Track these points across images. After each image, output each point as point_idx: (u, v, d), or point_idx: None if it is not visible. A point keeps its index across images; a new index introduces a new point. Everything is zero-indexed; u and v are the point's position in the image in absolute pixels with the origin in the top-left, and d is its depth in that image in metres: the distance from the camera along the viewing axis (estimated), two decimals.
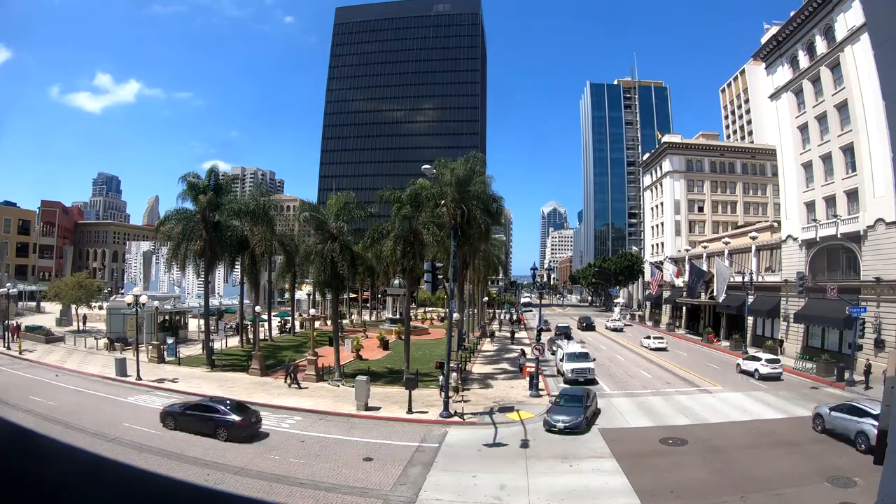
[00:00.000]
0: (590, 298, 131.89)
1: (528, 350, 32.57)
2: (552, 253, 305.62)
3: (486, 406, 23.07)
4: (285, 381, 26.46)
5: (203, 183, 31.71)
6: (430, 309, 78.10)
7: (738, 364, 33.13)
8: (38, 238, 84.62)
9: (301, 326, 51.67)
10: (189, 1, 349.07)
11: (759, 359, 31.66)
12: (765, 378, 29.88)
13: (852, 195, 34.27)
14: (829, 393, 27.01)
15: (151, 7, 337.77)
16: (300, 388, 25.91)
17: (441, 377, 22.47)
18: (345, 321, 53.86)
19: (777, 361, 31.28)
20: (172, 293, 52.87)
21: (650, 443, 18.52)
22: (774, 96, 44.05)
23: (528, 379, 26.87)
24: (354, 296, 67.34)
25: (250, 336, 39.34)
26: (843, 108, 35.13)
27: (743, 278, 42.46)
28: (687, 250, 63.71)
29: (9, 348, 34.76)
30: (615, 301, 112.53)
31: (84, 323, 46.92)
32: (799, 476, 14.97)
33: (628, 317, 77.12)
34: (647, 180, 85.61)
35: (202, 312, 35.42)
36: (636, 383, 29.60)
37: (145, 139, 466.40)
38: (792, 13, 40.10)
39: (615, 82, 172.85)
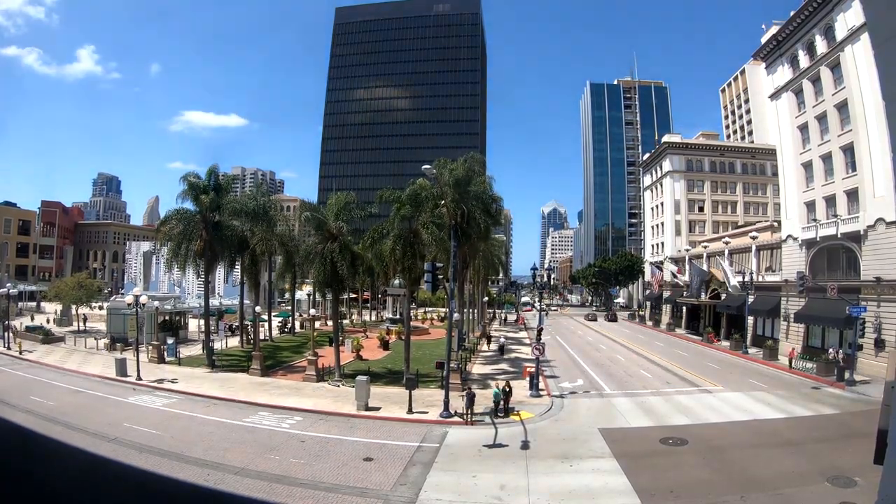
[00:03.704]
0: (590, 298, 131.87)
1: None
2: (552, 253, 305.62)
3: (487, 406, 23.06)
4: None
5: (203, 183, 31.70)
6: (431, 309, 78.08)
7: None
8: (39, 238, 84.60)
9: (301, 326, 51.68)
10: (187, 1, 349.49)
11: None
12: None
13: (852, 195, 34.25)
14: (829, 393, 27.01)
15: (149, 5, 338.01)
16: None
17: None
18: (345, 321, 53.85)
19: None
20: (172, 293, 52.89)
21: (650, 442, 18.50)
22: (774, 96, 44.04)
23: (528, 379, 26.86)
24: (354, 296, 67.34)
25: (250, 336, 39.35)
26: (843, 107, 35.11)
27: (743, 278, 42.47)
28: (687, 250, 63.70)
29: (9, 348, 34.77)
30: (615, 301, 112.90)
31: (84, 323, 46.90)
32: (799, 476, 14.96)
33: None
34: (647, 180, 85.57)
35: (202, 312, 35.42)
36: (636, 383, 29.59)
37: (142, 137, 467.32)
38: (792, 13, 40.09)
39: (615, 82, 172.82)
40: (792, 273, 37.73)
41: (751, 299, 42.02)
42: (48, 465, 1.95)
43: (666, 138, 79.31)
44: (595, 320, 78.29)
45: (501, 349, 39.94)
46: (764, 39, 44.48)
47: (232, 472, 14.90)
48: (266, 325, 44.81)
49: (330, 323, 40.91)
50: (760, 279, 44.34)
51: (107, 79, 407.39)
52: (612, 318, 79.15)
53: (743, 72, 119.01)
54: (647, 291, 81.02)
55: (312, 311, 40.03)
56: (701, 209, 73.23)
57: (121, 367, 27.61)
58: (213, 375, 29.21)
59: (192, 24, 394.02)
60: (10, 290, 43.77)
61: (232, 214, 33.88)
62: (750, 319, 44.08)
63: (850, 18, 33.89)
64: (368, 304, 73.94)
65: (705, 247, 57.87)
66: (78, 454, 2.12)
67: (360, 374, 23.76)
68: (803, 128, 39.99)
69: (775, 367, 35.20)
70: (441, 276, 27.56)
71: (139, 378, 26.77)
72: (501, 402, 22.03)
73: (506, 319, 74.41)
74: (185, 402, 23.35)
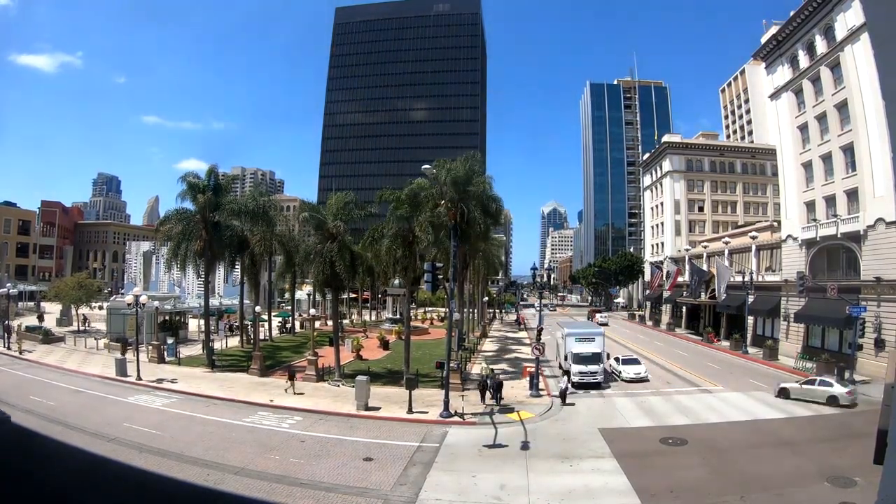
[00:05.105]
0: (590, 298, 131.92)
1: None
2: (552, 253, 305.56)
3: (487, 406, 23.07)
4: (287, 382, 26.00)
5: (203, 183, 31.69)
6: (430, 309, 78.08)
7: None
8: (38, 238, 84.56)
9: (301, 326, 51.67)
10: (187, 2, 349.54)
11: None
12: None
13: (852, 195, 34.25)
14: None
15: (150, 5, 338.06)
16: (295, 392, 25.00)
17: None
18: (345, 321, 53.85)
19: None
20: (172, 293, 52.85)
21: (650, 443, 18.51)
22: (774, 96, 44.03)
23: (528, 379, 26.85)
24: (354, 296, 67.37)
25: (250, 336, 39.35)
26: (842, 107, 35.10)
27: (743, 278, 42.46)
28: (687, 250, 63.69)
29: (9, 348, 34.76)
30: (615, 301, 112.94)
31: (87, 324, 46.63)
32: (799, 476, 14.97)
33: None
34: (647, 180, 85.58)
35: (202, 312, 35.41)
36: (636, 383, 29.55)
37: (142, 137, 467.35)
38: (792, 13, 40.07)
39: (615, 82, 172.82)
40: (792, 273, 37.73)
41: (751, 299, 42.01)
42: (48, 465, 1.95)
43: (666, 138, 79.33)
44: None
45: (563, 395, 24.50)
46: (764, 39, 44.47)
47: (232, 472, 14.89)
48: (266, 325, 44.79)
49: (330, 323, 40.90)
50: (760, 279, 44.33)
51: (106, 78, 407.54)
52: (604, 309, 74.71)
53: (743, 72, 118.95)
54: (647, 291, 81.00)
55: (312, 311, 40.02)
56: (701, 209, 73.22)
57: (120, 367, 27.61)
58: (213, 375, 29.21)
59: (190, 23, 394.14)
60: (10, 290, 43.71)
61: (231, 214, 33.84)
62: (750, 319, 44.06)
63: (849, 18, 33.89)
64: (368, 304, 73.94)
65: (705, 247, 57.85)
66: (77, 454, 2.12)
67: (360, 374, 23.78)
68: (803, 128, 39.98)
69: (775, 366, 35.17)
70: (441, 276, 27.55)
71: (139, 378, 26.75)
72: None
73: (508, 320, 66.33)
74: (185, 402, 23.35)
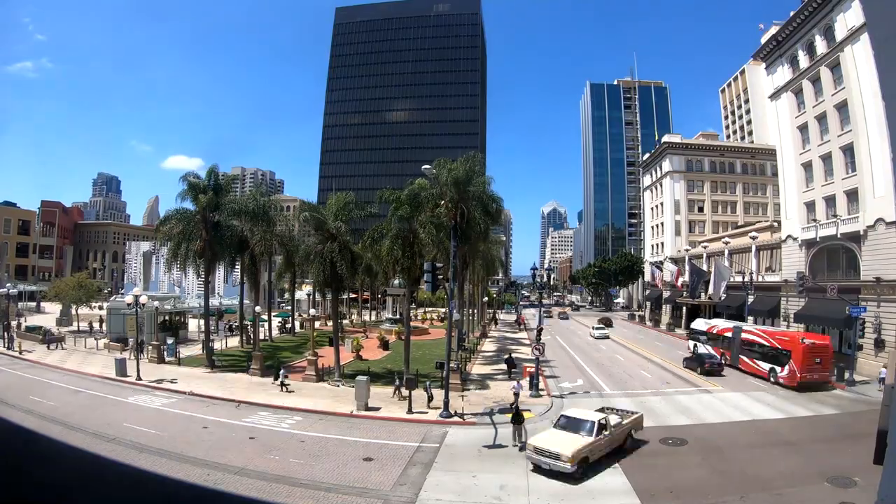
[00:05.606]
0: (590, 298, 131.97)
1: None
2: (552, 253, 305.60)
3: (486, 406, 23.04)
4: (274, 383, 26.04)
5: (203, 183, 31.67)
6: (430, 309, 78.02)
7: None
8: (38, 238, 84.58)
9: (301, 326, 51.65)
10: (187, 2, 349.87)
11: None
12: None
13: (852, 195, 34.26)
14: (829, 393, 27.00)
15: (149, 3, 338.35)
16: (288, 391, 25.15)
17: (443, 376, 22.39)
18: (345, 321, 53.81)
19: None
20: (172, 293, 52.82)
21: (650, 443, 18.50)
22: (774, 96, 44.04)
23: (528, 379, 26.84)
24: (354, 296, 67.35)
25: (250, 336, 39.31)
26: (842, 108, 35.12)
27: (743, 278, 42.45)
28: (687, 250, 63.69)
29: (9, 348, 34.75)
30: (615, 301, 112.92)
31: (101, 325, 46.27)
32: (799, 476, 14.97)
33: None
34: (646, 180, 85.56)
35: (202, 312, 35.39)
36: (636, 383, 29.59)
37: (141, 137, 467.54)
38: (792, 13, 40.10)
39: (615, 82, 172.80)
40: (792, 273, 37.73)
41: (750, 299, 42.00)
42: (47, 465, 1.94)
43: (666, 138, 79.32)
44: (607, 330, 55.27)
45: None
46: (764, 40, 44.48)
47: (232, 472, 14.89)
48: (266, 325, 44.76)
49: (330, 323, 40.88)
50: (760, 279, 44.34)
51: (105, 78, 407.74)
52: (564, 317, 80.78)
53: (743, 72, 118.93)
54: (647, 291, 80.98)
55: (312, 311, 39.96)
56: (701, 209, 73.22)
57: (120, 367, 27.60)
58: (213, 375, 29.20)
59: (190, 22, 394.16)
60: (10, 290, 43.69)
61: (232, 214, 33.84)
62: (750, 319, 44.04)
63: (849, 18, 33.91)
64: (368, 304, 73.92)
65: (705, 247, 57.85)
66: (77, 454, 2.12)
67: (360, 374, 23.78)
68: (803, 128, 39.99)
69: None
70: (441, 276, 27.52)
71: (139, 378, 26.75)
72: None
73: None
74: (185, 402, 23.35)
